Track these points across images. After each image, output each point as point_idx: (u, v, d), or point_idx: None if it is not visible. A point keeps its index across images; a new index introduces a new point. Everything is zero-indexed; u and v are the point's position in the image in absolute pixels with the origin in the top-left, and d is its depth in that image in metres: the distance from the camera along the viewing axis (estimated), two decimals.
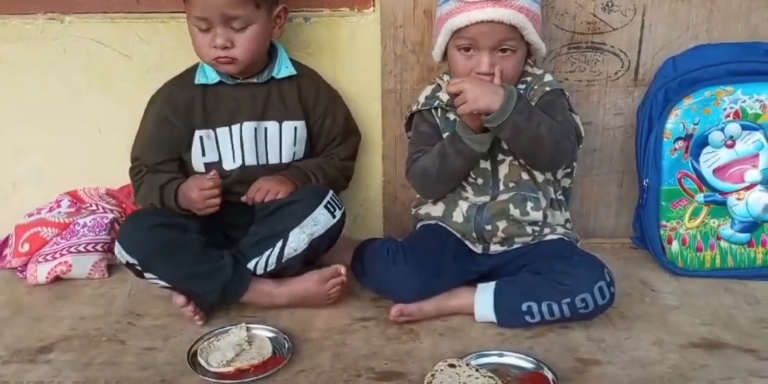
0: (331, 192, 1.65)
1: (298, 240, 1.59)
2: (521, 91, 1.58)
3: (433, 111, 1.71)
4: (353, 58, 1.86)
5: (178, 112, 1.69)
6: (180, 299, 1.59)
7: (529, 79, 1.66)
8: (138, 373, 1.45)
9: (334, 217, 1.63)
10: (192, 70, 1.72)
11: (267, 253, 1.61)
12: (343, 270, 1.64)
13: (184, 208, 1.64)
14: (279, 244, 1.60)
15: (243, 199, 1.67)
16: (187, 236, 1.59)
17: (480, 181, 1.68)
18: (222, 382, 1.42)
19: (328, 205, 1.62)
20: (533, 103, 1.59)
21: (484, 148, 1.58)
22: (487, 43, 1.54)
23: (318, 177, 1.72)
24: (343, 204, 1.67)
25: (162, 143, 1.71)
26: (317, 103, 1.76)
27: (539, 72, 1.67)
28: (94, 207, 1.91)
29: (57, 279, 1.81)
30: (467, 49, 1.57)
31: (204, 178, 1.61)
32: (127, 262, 1.60)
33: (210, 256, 1.60)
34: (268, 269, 1.62)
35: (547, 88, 1.63)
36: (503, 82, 1.53)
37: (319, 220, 1.60)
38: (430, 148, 1.67)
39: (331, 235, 1.65)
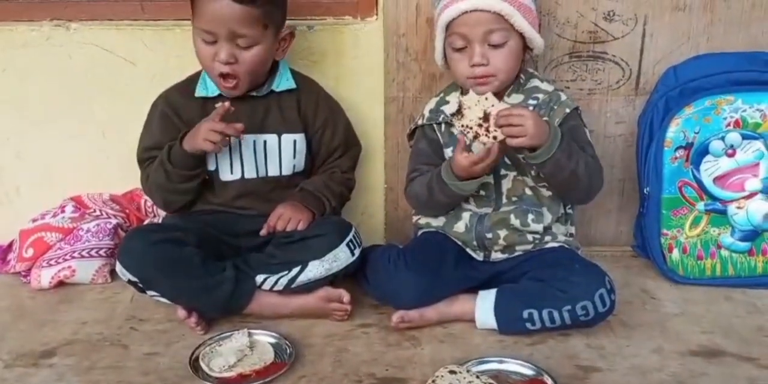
0: (353, 229, 1.67)
1: (316, 271, 1.60)
2: (532, 108, 1.60)
3: (435, 126, 1.72)
4: (356, 66, 1.87)
5: (180, 116, 1.70)
6: (182, 313, 1.60)
7: (540, 95, 1.65)
8: (140, 377, 1.46)
9: (353, 255, 1.64)
10: (193, 80, 1.72)
11: (281, 274, 1.61)
12: (346, 298, 1.64)
13: (189, 149, 1.60)
14: (296, 269, 1.61)
15: (262, 232, 1.67)
16: (186, 251, 1.59)
17: (483, 193, 1.68)
18: None
19: (350, 244, 1.64)
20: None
21: (470, 192, 1.61)
22: (477, 33, 1.55)
23: (330, 199, 1.73)
24: (362, 241, 1.68)
25: (167, 141, 1.68)
26: (316, 116, 1.76)
27: (550, 89, 1.67)
28: (98, 212, 1.92)
29: (60, 284, 1.82)
30: (462, 50, 1.59)
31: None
32: (129, 280, 1.60)
33: (210, 270, 1.59)
34: (275, 289, 1.62)
35: (567, 110, 1.63)
36: (496, 75, 1.56)
37: (340, 257, 1.62)
38: (427, 167, 1.68)
39: (347, 270, 1.65)
